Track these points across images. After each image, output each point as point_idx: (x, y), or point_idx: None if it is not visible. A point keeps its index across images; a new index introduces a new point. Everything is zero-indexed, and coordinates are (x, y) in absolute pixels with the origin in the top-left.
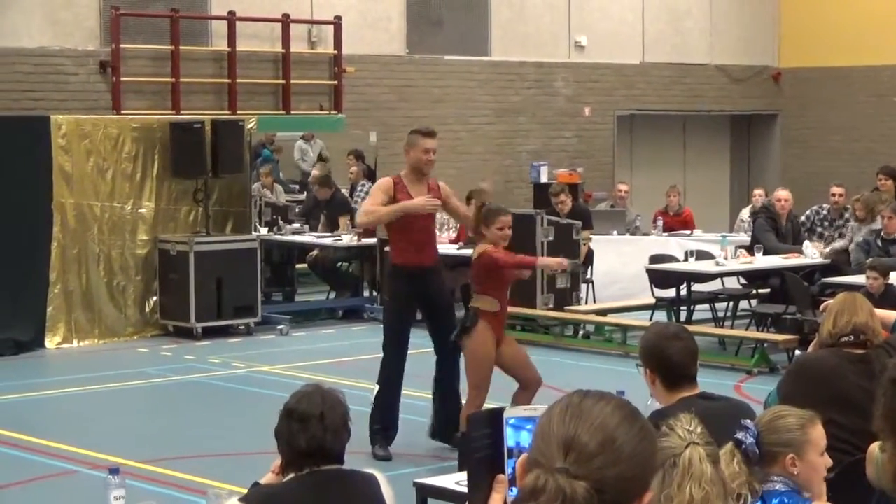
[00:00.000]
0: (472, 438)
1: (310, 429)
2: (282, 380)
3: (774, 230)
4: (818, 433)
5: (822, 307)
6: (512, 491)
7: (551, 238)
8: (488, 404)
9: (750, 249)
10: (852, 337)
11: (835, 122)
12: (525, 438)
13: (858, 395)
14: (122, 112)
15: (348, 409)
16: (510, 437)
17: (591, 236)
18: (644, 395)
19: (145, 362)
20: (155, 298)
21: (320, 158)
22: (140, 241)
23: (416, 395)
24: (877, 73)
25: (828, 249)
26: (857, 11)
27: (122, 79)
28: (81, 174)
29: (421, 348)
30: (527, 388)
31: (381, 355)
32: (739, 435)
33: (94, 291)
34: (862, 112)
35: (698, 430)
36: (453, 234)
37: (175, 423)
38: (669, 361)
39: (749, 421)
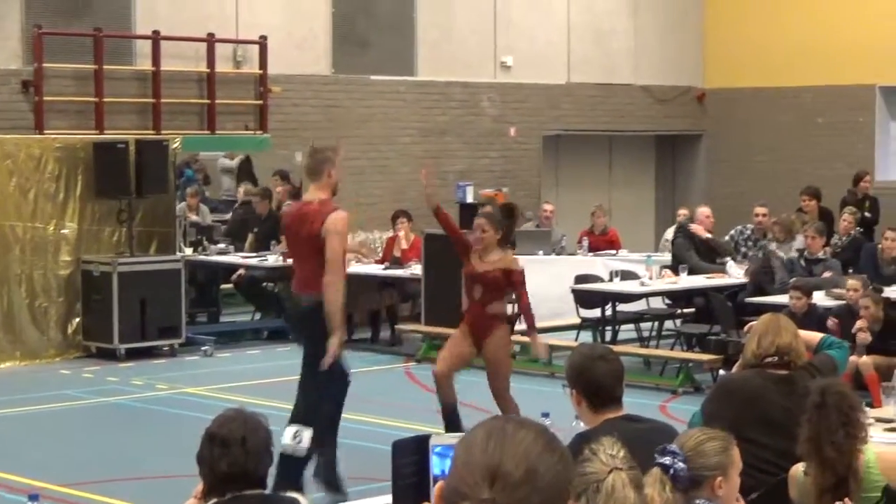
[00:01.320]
0: (399, 465)
1: (231, 453)
2: (206, 401)
3: (694, 248)
4: (737, 453)
5: (746, 328)
6: None
7: None
8: (419, 428)
9: (674, 269)
10: (776, 358)
11: (759, 143)
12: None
13: (782, 416)
14: (45, 132)
15: (271, 434)
16: (436, 465)
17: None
18: (570, 416)
19: (67, 384)
20: (78, 320)
21: (249, 175)
22: (63, 261)
23: (347, 418)
24: (800, 94)
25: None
26: (780, 33)
27: (45, 98)
28: (3, 194)
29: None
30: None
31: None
32: (664, 460)
33: (16, 313)
34: (785, 133)
35: (621, 454)
36: (378, 255)
37: (97, 446)
38: (595, 383)
39: (674, 446)
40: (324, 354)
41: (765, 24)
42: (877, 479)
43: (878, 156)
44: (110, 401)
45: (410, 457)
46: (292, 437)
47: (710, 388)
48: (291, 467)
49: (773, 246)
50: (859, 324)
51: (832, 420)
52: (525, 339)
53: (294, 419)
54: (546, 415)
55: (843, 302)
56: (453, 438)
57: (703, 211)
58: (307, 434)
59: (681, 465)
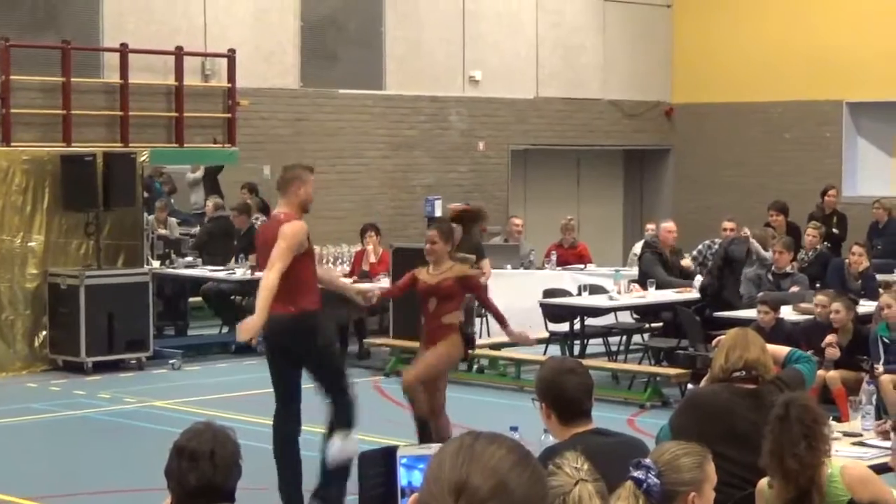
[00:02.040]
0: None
1: (200, 467)
2: (174, 415)
3: (662, 263)
4: (712, 468)
5: (714, 342)
6: None
7: None
8: (388, 442)
9: (642, 284)
10: (744, 372)
11: (726, 158)
12: (417, 478)
13: (749, 431)
14: (12, 144)
15: (239, 447)
16: (403, 476)
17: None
18: (539, 430)
19: (34, 397)
20: (44, 333)
21: (213, 186)
22: (30, 274)
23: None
24: (767, 109)
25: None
26: (748, 48)
27: (12, 110)
28: None
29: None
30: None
31: (339, 398)
32: (638, 474)
33: None
34: (753, 148)
35: (585, 466)
36: (346, 268)
37: (64, 459)
38: (565, 396)
39: (648, 460)
40: (317, 355)
41: (733, 39)
42: (841, 493)
43: (845, 171)
44: (77, 414)
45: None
46: (342, 441)
47: (678, 402)
48: (341, 472)
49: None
50: (829, 338)
51: (794, 432)
52: (493, 353)
53: (331, 428)
54: (515, 428)
55: (811, 316)
56: (420, 450)
57: (666, 226)
58: (351, 434)
59: (654, 479)
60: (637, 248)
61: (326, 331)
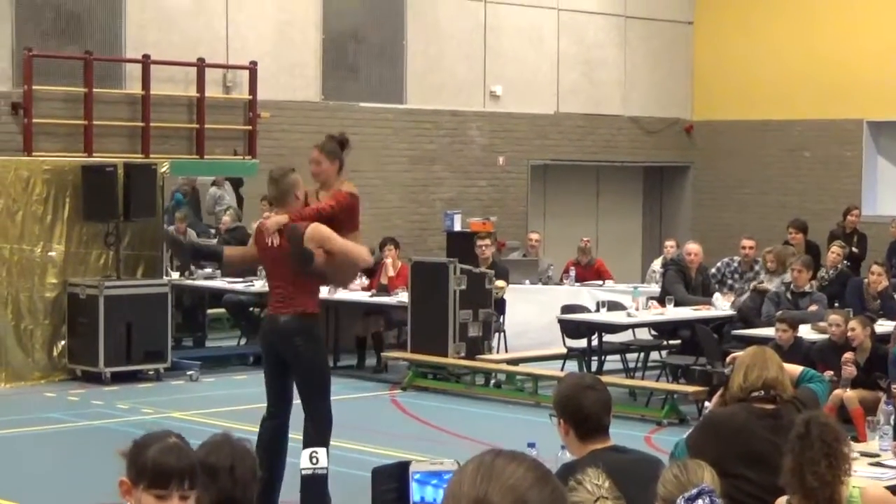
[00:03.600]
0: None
1: (219, 481)
2: (192, 426)
3: (684, 282)
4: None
5: (729, 359)
6: None
7: (464, 287)
8: (404, 456)
9: (661, 301)
10: (762, 392)
11: (746, 175)
12: (430, 493)
13: (768, 451)
14: (34, 154)
15: (257, 460)
16: (415, 492)
17: (505, 286)
18: (556, 447)
19: (52, 407)
20: (63, 342)
21: (239, 202)
22: (49, 284)
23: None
24: (788, 127)
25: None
26: (768, 66)
27: (34, 120)
28: None
29: (344, 395)
30: None
31: (316, 412)
32: (702, 502)
33: (2, 335)
34: (773, 166)
35: (606, 484)
36: (365, 281)
37: (81, 469)
38: (583, 412)
39: (706, 485)
40: (307, 362)
41: (753, 57)
42: None
43: (865, 190)
44: (95, 424)
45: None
46: (309, 460)
47: (695, 420)
48: (314, 488)
49: (763, 276)
50: (847, 356)
51: (815, 450)
52: (511, 368)
53: (306, 443)
54: (532, 445)
55: (827, 336)
56: (433, 465)
57: (692, 248)
58: (322, 453)
59: (718, 501)
60: (656, 264)
61: (320, 342)
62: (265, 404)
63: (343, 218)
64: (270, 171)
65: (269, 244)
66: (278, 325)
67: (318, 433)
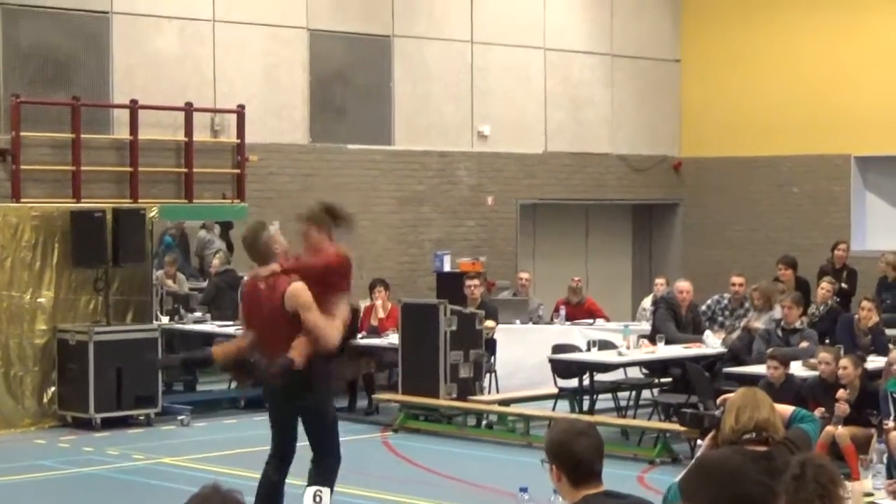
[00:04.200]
0: None
1: None
2: (183, 472)
3: (674, 320)
4: None
5: (719, 400)
6: None
7: (454, 328)
8: (396, 499)
9: (652, 339)
10: (754, 434)
11: (735, 212)
12: None
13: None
14: (22, 200)
15: None
16: None
17: (495, 326)
18: (548, 491)
19: (42, 454)
20: (53, 389)
21: (228, 245)
22: (39, 330)
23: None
24: (776, 163)
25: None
26: (756, 103)
27: (23, 167)
28: None
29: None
30: None
31: (326, 454)
32: None
33: None
34: (761, 202)
35: None
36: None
37: None
38: (576, 458)
39: None
40: (314, 406)
41: (741, 93)
42: None
43: (854, 225)
44: (86, 471)
45: None
46: (312, 499)
47: (688, 459)
48: None
49: (751, 315)
50: (840, 393)
51: (809, 491)
52: (502, 409)
53: (311, 482)
54: (525, 489)
55: (817, 373)
56: None
57: (683, 285)
58: (326, 494)
59: None
60: (646, 302)
61: (328, 386)
62: (256, 448)
63: (334, 281)
64: (242, 237)
65: (261, 289)
66: (276, 365)
67: (324, 474)
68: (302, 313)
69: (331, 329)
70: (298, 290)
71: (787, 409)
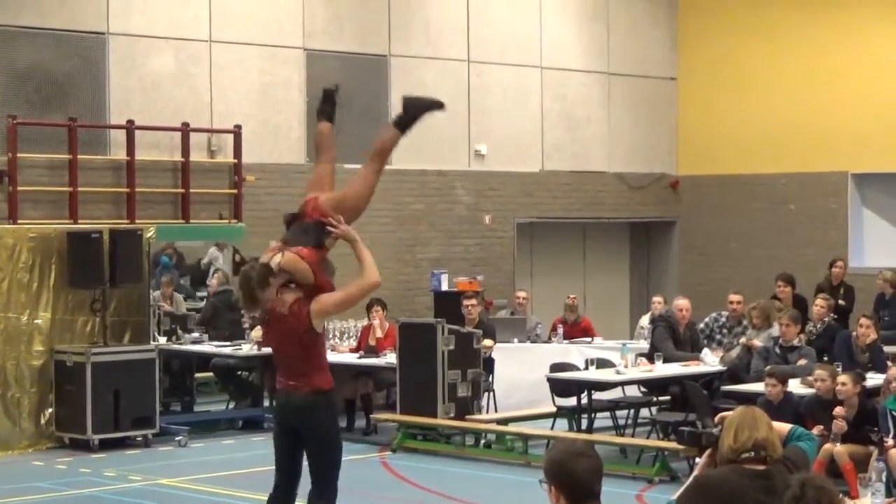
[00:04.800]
0: None
1: None
2: (180, 493)
3: (673, 338)
4: None
5: (717, 419)
6: None
7: (452, 347)
8: None
9: (650, 357)
10: (752, 453)
11: (732, 230)
12: None
13: None
14: (19, 221)
15: None
16: None
17: (493, 345)
18: None
19: (40, 476)
20: (50, 410)
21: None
22: (36, 351)
23: None
24: (773, 180)
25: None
26: (752, 120)
27: (19, 188)
28: None
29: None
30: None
31: (327, 487)
32: None
33: None
34: (759, 219)
35: None
36: (353, 343)
37: None
38: (574, 479)
39: None
40: (320, 437)
41: (737, 111)
42: None
43: (852, 242)
44: (83, 493)
45: None
46: None
47: (686, 477)
48: None
49: (749, 332)
50: (838, 410)
51: None
52: (499, 428)
53: None
54: None
55: (814, 390)
56: None
57: (681, 303)
58: None
59: None
60: (644, 320)
61: (335, 417)
62: (254, 469)
63: (319, 276)
64: (242, 277)
65: (279, 313)
66: (296, 403)
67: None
68: (336, 309)
69: (357, 283)
70: (321, 303)
71: (784, 427)
